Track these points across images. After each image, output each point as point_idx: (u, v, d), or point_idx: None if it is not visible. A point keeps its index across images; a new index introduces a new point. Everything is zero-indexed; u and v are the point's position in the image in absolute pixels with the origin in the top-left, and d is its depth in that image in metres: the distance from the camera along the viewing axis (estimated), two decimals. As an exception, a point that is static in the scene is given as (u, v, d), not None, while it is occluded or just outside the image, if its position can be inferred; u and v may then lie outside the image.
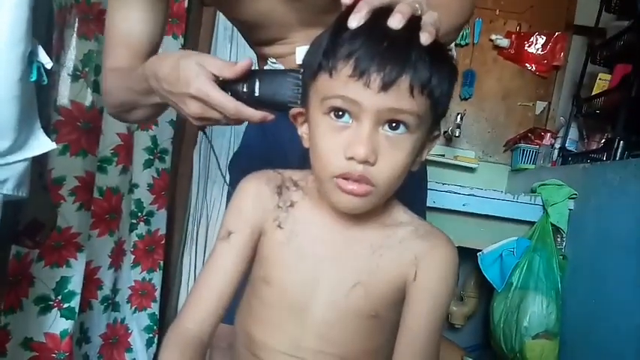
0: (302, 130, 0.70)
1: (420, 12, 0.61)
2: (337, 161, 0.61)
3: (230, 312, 0.73)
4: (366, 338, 0.71)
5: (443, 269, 0.70)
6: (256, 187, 0.74)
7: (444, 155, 2.25)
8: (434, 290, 0.70)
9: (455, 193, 1.72)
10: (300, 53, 0.90)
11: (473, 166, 2.26)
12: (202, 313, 0.70)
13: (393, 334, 0.71)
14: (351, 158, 0.60)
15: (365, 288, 0.69)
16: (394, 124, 0.60)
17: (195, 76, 0.68)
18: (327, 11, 0.85)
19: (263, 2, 0.89)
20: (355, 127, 0.60)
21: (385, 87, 0.57)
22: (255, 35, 0.99)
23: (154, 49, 0.92)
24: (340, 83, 0.58)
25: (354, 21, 0.58)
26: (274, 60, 0.99)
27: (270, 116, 0.71)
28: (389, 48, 0.57)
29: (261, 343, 0.72)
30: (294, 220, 0.72)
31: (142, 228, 1.78)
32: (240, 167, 0.88)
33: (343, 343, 0.70)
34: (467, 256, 1.73)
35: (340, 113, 0.60)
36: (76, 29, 1.28)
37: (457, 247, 1.60)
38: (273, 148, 1.01)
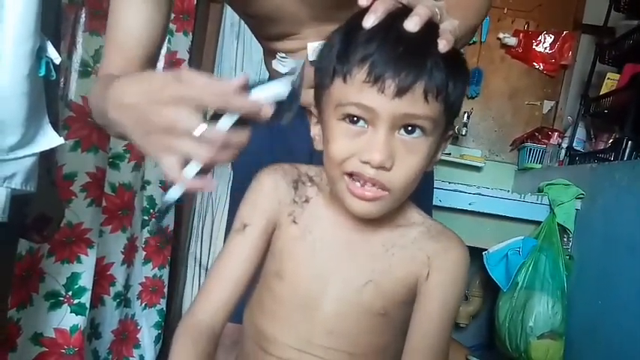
0: (315, 132, 0.69)
1: (439, 16, 0.60)
2: (350, 162, 0.61)
3: (235, 310, 0.72)
4: (375, 335, 0.72)
5: (455, 270, 0.71)
6: (273, 181, 0.74)
7: (450, 154, 2.25)
8: (445, 290, 0.70)
9: (461, 192, 1.72)
10: (312, 49, 0.89)
11: (479, 165, 2.26)
12: (215, 305, 0.70)
13: (401, 333, 0.71)
14: (365, 162, 0.59)
15: (376, 286, 0.70)
16: (410, 128, 0.60)
17: (172, 77, 0.56)
18: (338, 7, 0.84)
19: None
20: (371, 132, 0.60)
21: (400, 93, 0.56)
22: (265, 30, 0.97)
23: (150, 56, 0.85)
24: (354, 89, 0.58)
25: (369, 21, 0.57)
26: (284, 55, 0.98)
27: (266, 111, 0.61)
28: (405, 53, 0.57)
29: (271, 338, 0.72)
30: (309, 215, 0.72)
31: (153, 224, 1.79)
32: (245, 165, 0.89)
33: (352, 339, 0.71)
34: (472, 255, 1.71)
35: (355, 119, 0.60)
36: (85, 25, 1.29)
37: (462, 245, 1.55)
38: (279, 146, 1.01)
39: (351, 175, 0.62)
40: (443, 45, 0.57)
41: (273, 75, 1.03)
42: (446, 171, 2.08)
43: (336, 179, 0.64)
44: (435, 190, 1.71)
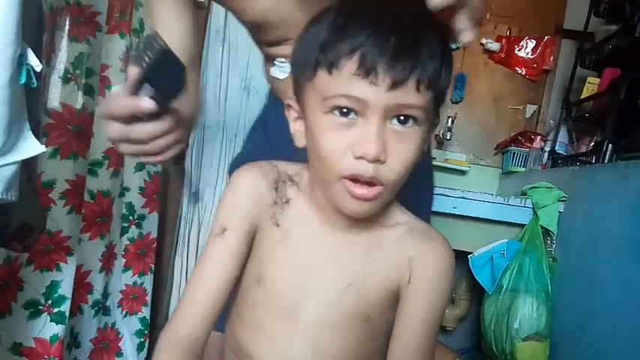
0: (295, 128, 0.66)
1: None
2: (345, 161, 0.58)
3: (219, 318, 0.69)
4: (358, 344, 0.69)
5: (438, 271, 0.68)
6: (253, 181, 0.70)
7: (435, 158, 2.26)
8: (429, 293, 0.68)
9: (446, 195, 1.72)
10: None
11: (464, 169, 2.28)
12: (196, 315, 0.66)
13: (384, 340, 0.69)
14: (360, 157, 0.57)
15: (357, 290, 0.67)
16: (402, 118, 0.57)
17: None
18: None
19: (266, 1, 0.87)
20: (362, 123, 0.57)
21: (394, 86, 0.54)
22: (263, 35, 0.96)
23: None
24: (343, 81, 0.55)
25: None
26: (283, 60, 0.97)
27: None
28: (398, 44, 0.54)
29: (250, 353, 0.69)
30: (290, 217, 0.69)
31: (133, 231, 1.77)
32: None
33: (334, 349, 0.68)
34: (458, 258, 1.72)
35: (345, 111, 0.57)
36: (66, 32, 1.27)
37: (448, 249, 1.55)
38: (276, 151, 1.00)
39: (349, 178, 0.59)
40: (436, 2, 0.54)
41: (272, 82, 1.02)
42: (431, 175, 2.09)
43: (332, 182, 0.60)
44: (420, 194, 1.72)
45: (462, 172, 2.23)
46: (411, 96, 0.56)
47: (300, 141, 0.65)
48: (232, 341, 0.73)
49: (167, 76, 0.64)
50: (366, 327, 0.69)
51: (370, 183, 0.58)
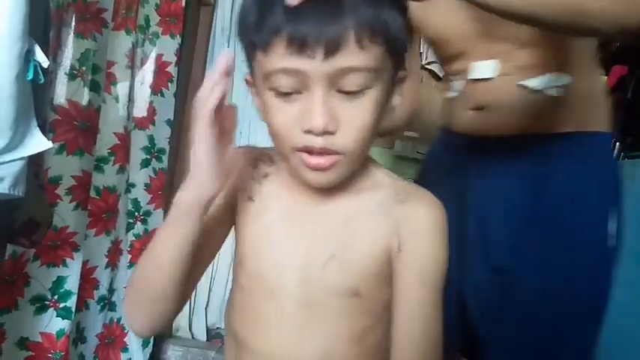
0: (257, 103, 0.63)
1: None
2: (294, 135, 0.56)
3: None
4: (349, 322, 0.63)
5: (429, 232, 0.62)
6: (234, 158, 0.65)
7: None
8: (422, 259, 0.62)
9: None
10: (476, 68, 0.93)
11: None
12: None
13: (380, 319, 0.64)
14: (308, 131, 0.55)
15: (340, 261, 0.63)
16: (349, 83, 0.54)
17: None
18: (505, 22, 0.85)
19: (440, 14, 0.92)
20: (306, 97, 0.54)
21: (331, 51, 0.51)
22: (438, 52, 1.03)
23: None
24: (279, 58, 0.53)
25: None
26: (458, 77, 0.99)
27: None
28: (321, 7, 0.51)
29: (245, 344, 0.66)
30: (266, 193, 0.67)
31: (138, 227, 1.77)
32: None
33: (323, 328, 0.63)
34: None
35: (288, 85, 0.55)
36: (73, 28, 1.27)
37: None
38: None
39: (301, 149, 0.57)
40: None
41: (446, 106, 1.06)
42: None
43: (287, 155, 0.59)
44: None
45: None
46: (353, 57, 0.52)
47: (262, 116, 0.63)
48: (230, 331, 0.71)
49: None
50: (356, 303, 0.63)
51: (323, 153, 0.56)
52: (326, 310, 0.63)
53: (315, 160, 0.57)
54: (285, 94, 0.55)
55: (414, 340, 0.62)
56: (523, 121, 0.90)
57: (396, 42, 0.56)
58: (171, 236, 0.59)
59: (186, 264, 0.60)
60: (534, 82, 0.89)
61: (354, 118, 0.55)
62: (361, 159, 0.61)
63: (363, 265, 0.63)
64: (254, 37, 0.55)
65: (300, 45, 0.51)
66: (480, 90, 0.94)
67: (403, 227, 0.62)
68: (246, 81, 0.65)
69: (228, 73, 0.55)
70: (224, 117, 0.57)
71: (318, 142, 0.55)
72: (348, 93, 0.54)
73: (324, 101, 0.54)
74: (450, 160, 1.03)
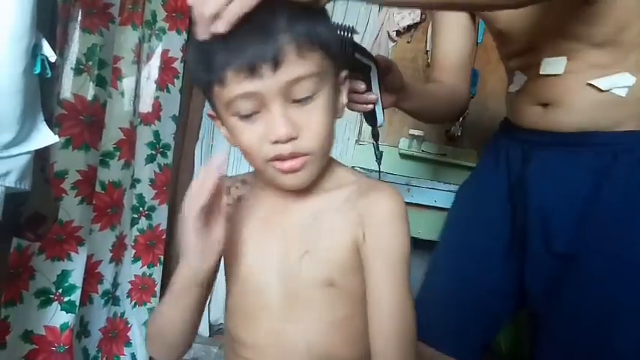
0: (223, 133, 0.70)
1: None
2: (264, 148, 0.63)
3: None
4: (327, 310, 0.70)
5: (388, 218, 0.68)
6: None
7: (445, 155, 2.25)
8: (385, 245, 0.68)
9: (456, 192, 1.71)
10: (546, 64, 0.97)
11: (475, 165, 2.26)
12: None
13: (358, 307, 0.69)
14: (275, 142, 0.61)
15: (313, 256, 0.69)
16: (300, 91, 0.61)
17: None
18: (573, 17, 0.90)
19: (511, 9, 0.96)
20: (265, 113, 0.61)
21: (275, 69, 0.58)
22: (504, 46, 1.10)
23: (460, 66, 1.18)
24: (234, 86, 0.59)
25: (203, 34, 0.58)
26: (520, 72, 1.07)
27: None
28: (255, 29, 0.57)
29: (243, 342, 0.73)
30: (241, 210, 0.74)
31: (143, 223, 1.78)
32: None
33: (306, 320, 0.69)
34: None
35: (248, 108, 0.61)
36: (79, 22, 1.28)
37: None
38: None
39: (272, 159, 0.63)
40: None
41: (509, 100, 1.17)
42: (441, 171, 2.08)
43: (262, 167, 0.66)
44: (430, 190, 1.72)
45: (473, 169, 2.22)
46: (297, 68, 0.59)
47: (230, 142, 0.69)
48: (225, 328, 0.78)
49: None
50: (333, 293, 0.69)
51: (293, 157, 0.63)
52: (306, 302, 0.69)
53: (288, 164, 0.64)
54: (247, 117, 0.62)
55: (385, 321, 0.67)
56: (587, 118, 0.95)
57: (331, 46, 0.63)
58: (176, 307, 0.70)
59: (197, 316, 0.71)
60: (604, 82, 0.92)
61: (311, 121, 0.62)
62: (326, 156, 0.69)
63: (334, 257, 0.69)
64: (208, 76, 0.61)
65: (249, 70, 0.57)
66: (547, 86, 0.99)
67: (366, 218, 0.68)
68: (210, 115, 0.72)
69: (220, 170, 0.62)
70: (213, 198, 0.63)
71: (286, 148, 0.62)
72: (301, 100, 0.61)
73: (282, 112, 0.60)
74: (511, 151, 1.10)
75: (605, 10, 0.88)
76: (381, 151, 0.99)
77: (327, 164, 0.72)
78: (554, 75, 0.97)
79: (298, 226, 0.71)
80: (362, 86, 0.88)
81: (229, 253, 0.74)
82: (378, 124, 0.94)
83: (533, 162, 1.04)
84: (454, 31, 1.17)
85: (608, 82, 0.92)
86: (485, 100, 2.39)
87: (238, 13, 0.55)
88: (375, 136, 0.98)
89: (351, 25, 0.80)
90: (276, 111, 0.60)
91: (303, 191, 0.70)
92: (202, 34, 0.58)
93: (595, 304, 0.94)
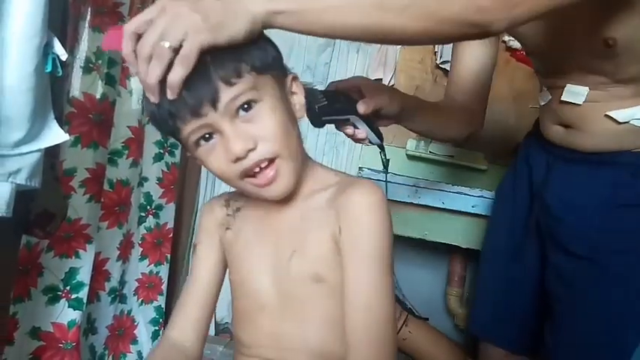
0: (197, 162, 0.74)
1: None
2: (232, 169, 0.66)
3: (207, 327, 0.84)
4: (319, 306, 0.73)
5: (363, 214, 0.70)
6: (209, 205, 0.86)
7: (453, 156, 2.24)
8: (358, 237, 0.70)
9: (464, 194, 1.71)
10: (568, 92, 1.01)
11: (482, 167, 2.25)
12: (184, 322, 0.80)
13: None
14: (237, 159, 0.65)
15: (301, 254, 0.73)
16: (245, 106, 0.65)
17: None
18: (599, 56, 0.92)
19: (542, 30, 0.99)
20: (219, 137, 0.65)
21: (214, 106, 0.63)
22: (534, 62, 1.17)
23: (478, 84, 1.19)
24: (189, 126, 0.64)
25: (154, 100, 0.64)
26: (546, 90, 1.13)
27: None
28: (194, 83, 0.61)
29: (246, 342, 0.78)
30: (240, 220, 0.81)
31: (150, 221, 1.79)
32: None
33: (299, 316, 0.73)
34: (475, 257, 1.73)
35: (207, 136, 0.66)
36: (89, 21, 1.28)
37: (465, 248, 1.60)
38: None
39: (245, 175, 0.67)
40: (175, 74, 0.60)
41: (540, 110, 1.22)
42: (449, 173, 2.07)
43: (240, 186, 0.70)
44: (437, 191, 1.72)
45: (481, 171, 2.21)
46: (231, 92, 0.63)
47: (204, 166, 0.74)
48: (234, 338, 0.84)
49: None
50: (322, 288, 0.72)
51: (263, 167, 0.67)
52: (298, 299, 0.73)
53: (263, 178, 0.67)
54: (206, 138, 0.66)
55: (356, 315, 0.68)
56: (605, 143, 1.00)
57: (265, 67, 0.66)
58: None
59: None
60: (622, 115, 0.95)
61: (263, 127, 0.66)
62: (298, 156, 0.72)
63: (318, 253, 0.72)
64: (169, 127, 0.66)
65: (193, 115, 0.63)
66: (567, 110, 1.04)
67: (342, 213, 0.71)
68: (188, 156, 0.81)
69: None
70: None
71: (250, 160, 0.65)
72: (243, 109, 0.65)
73: (232, 131, 0.64)
74: (538, 159, 1.17)
75: (629, 51, 0.89)
76: (388, 159, 0.99)
77: (312, 169, 0.77)
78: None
79: (287, 228, 0.75)
80: (348, 130, 0.92)
81: (231, 261, 0.82)
82: (375, 143, 0.96)
83: (554, 172, 1.10)
84: (476, 45, 1.15)
85: (625, 115, 0.95)
86: (493, 102, 2.38)
87: (182, 77, 0.60)
88: (380, 147, 0.98)
89: (318, 92, 0.85)
90: (226, 131, 0.64)
91: (291, 197, 0.74)
92: (153, 100, 0.63)
93: (610, 304, 1.01)
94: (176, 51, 0.59)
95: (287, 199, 0.73)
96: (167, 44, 0.59)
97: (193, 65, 0.60)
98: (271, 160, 0.67)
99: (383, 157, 0.99)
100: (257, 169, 0.67)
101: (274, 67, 0.69)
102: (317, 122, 0.86)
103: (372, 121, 0.92)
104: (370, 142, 0.95)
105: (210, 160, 0.68)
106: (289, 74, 0.74)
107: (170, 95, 0.62)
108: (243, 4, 0.62)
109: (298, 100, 0.74)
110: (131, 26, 0.61)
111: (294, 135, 0.70)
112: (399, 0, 0.65)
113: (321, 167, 0.80)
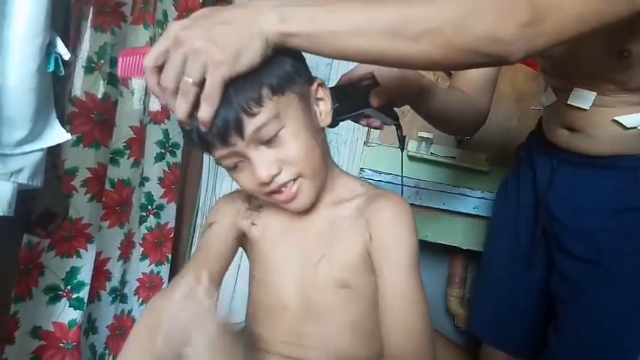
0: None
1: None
2: (259, 189, 0.70)
3: None
4: (342, 310, 0.75)
5: (394, 220, 0.74)
6: (230, 197, 0.87)
7: (454, 158, 2.24)
8: (390, 246, 0.73)
9: (466, 195, 1.71)
10: (575, 96, 1.00)
11: (484, 169, 2.25)
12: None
13: (371, 307, 0.74)
14: (264, 184, 0.68)
15: (330, 259, 0.75)
16: (268, 135, 0.67)
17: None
18: (610, 66, 0.92)
19: None
20: (247, 163, 0.69)
21: (241, 136, 0.65)
22: (541, 62, 1.15)
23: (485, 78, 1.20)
24: (215, 152, 0.68)
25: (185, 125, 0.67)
26: (551, 91, 1.11)
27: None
28: (222, 112, 0.63)
29: (264, 339, 0.78)
30: (264, 217, 0.82)
31: (151, 221, 1.78)
32: None
33: (322, 320, 0.75)
34: (477, 258, 1.73)
35: (233, 161, 0.69)
36: (91, 21, 1.28)
37: (466, 249, 1.60)
38: None
39: (268, 194, 0.71)
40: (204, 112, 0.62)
41: (543, 111, 1.21)
42: (450, 175, 2.07)
43: (267, 199, 0.73)
44: (439, 193, 1.72)
45: (483, 173, 2.21)
46: (255, 122, 0.65)
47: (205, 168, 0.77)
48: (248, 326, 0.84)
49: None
50: (347, 293, 0.75)
51: (285, 186, 0.70)
52: (322, 303, 0.75)
53: (284, 195, 0.71)
54: (234, 167, 0.70)
55: (394, 320, 0.71)
56: (611, 148, 1.00)
57: (279, 83, 0.66)
58: None
59: None
60: (629, 120, 0.95)
61: (287, 151, 0.68)
62: (321, 171, 0.74)
63: (347, 259, 0.75)
64: (202, 148, 0.69)
65: (224, 141, 0.66)
66: (573, 114, 1.03)
67: (372, 221, 0.74)
68: (189, 156, 0.84)
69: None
70: None
71: (275, 184, 0.69)
72: (268, 141, 0.67)
73: (258, 158, 0.67)
74: (541, 162, 1.17)
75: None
76: (404, 136, 1.01)
77: (339, 176, 0.80)
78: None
79: (315, 233, 0.77)
80: (362, 122, 0.94)
81: (255, 257, 0.82)
82: (390, 124, 0.97)
83: (559, 175, 1.10)
84: None
85: (633, 120, 0.95)
86: (495, 104, 2.37)
87: (211, 114, 0.63)
88: (397, 126, 0.98)
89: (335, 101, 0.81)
90: (253, 158, 0.67)
91: (319, 202, 0.77)
92: (184, 125, 0.66)
93: (616, 307, 1.03)
94: (199, 85, 0.61)
95: (313, 206, 0.76)
96: (190, 80, 0.60)
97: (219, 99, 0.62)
98: (294, 179, 0.70)
99: (399, 133, 0.99)
100: (282, 189, 0.70)
101: (294, 80, 0.69)
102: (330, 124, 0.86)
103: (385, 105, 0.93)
104: (385, 124, 0.96)
105: (238, 177, 0.72)
106: (315, 81, 0.74)
107: (203, 129, 0.64)
108: (257, 25, 0.61)
109: (324, 107, 0.75)
110: (150, 62, 0.62)
111: (318, 151, 0.72)
112: (413, 27, 0.63)
113: (348, 176, 0.83)
